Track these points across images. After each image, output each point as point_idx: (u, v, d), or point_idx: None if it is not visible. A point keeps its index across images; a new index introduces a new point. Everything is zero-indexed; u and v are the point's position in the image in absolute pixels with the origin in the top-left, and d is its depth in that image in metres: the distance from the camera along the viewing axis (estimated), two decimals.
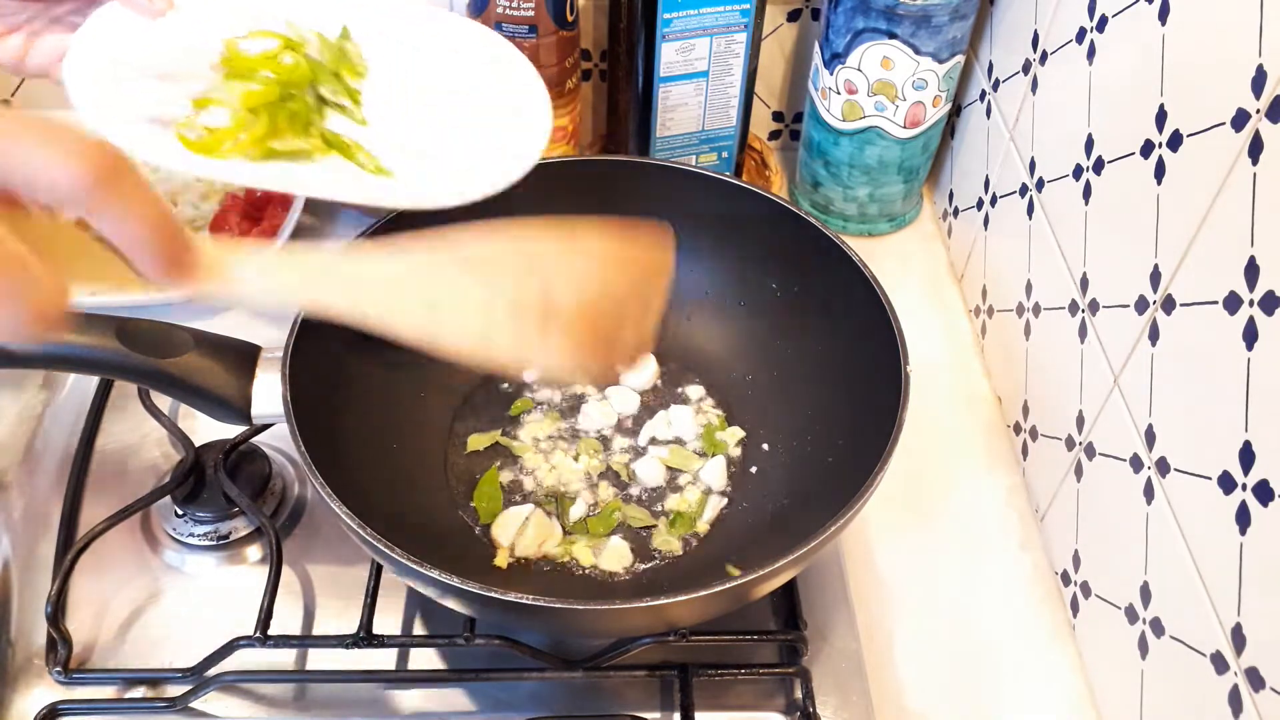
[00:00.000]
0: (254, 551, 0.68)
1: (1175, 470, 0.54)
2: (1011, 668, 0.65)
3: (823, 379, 0.69)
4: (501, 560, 0.63)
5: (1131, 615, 0.59)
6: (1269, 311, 0.47)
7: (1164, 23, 0.56)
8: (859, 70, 0.81)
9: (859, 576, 0.68)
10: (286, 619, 0.64)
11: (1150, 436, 0.57)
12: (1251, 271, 0.48)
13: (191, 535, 0.67)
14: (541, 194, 0.72)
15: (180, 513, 0.67)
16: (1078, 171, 0.66)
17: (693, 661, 0.61)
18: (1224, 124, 0.50)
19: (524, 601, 0.50)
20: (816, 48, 0.85)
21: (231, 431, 0.67)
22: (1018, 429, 0.76)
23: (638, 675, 0.61)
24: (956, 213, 0.89)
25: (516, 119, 0.63)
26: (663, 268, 0.46)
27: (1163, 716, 0.56)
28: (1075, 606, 0.66)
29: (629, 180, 0.73)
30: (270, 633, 0.60)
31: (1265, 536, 0.47)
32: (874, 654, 0.65)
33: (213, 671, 0.60)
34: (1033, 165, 0.73)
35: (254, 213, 0.87)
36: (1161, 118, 0.56)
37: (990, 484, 0.75)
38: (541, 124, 0.62)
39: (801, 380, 0.71)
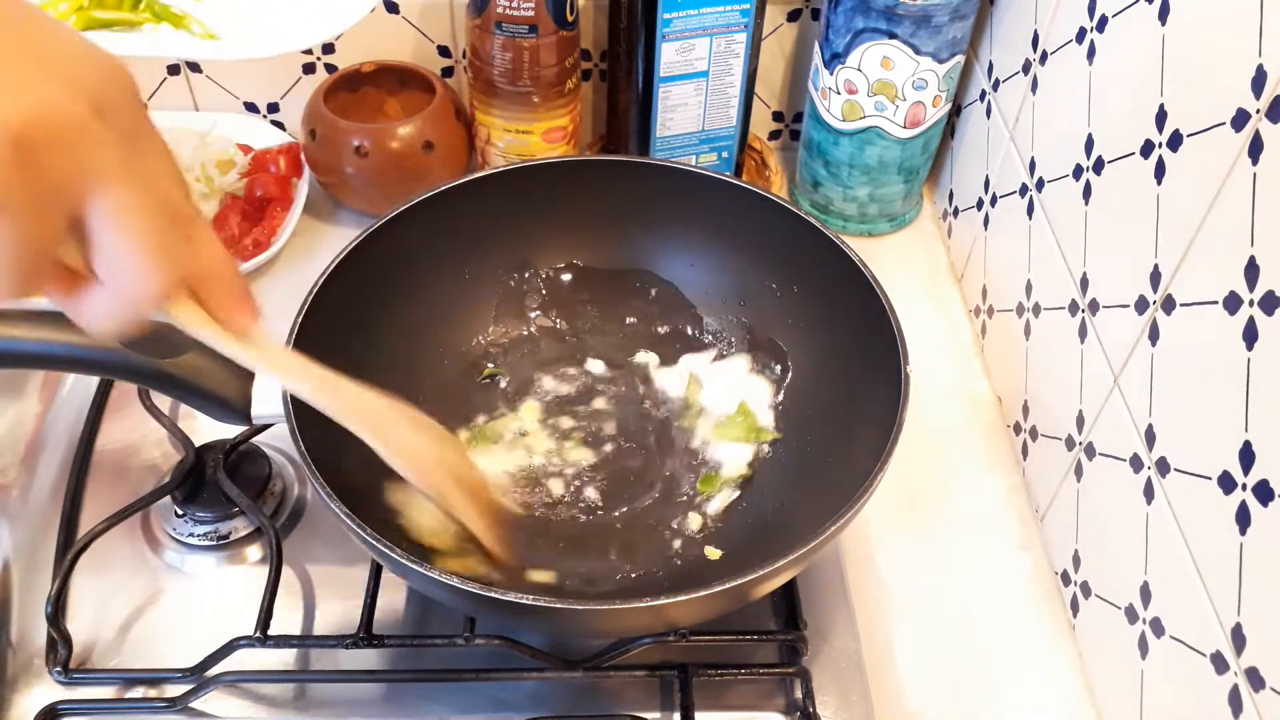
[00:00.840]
0: (254, 551, 0.68)
1: (1175, 470, 0.54)
2: (1011, 667, 0.65)
3: (822, 379, 0.69)
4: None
5: (1131, 615, 0.59)
6: (1269, 311, 0.47)
7: (1164, 23, 0.56)
8: (859, 70, 0.81)
9: (859, 576, 0.68)
10: (286, 619, 0.64)
11: (1150, 436, 0.57)
12: (1251, 271, 0.48)
13: (191, 535, 0.67)
14: (542, 194, 0.73)
15: (180, 513, 0.67)
16: (1078, 171, 0.66)
17: (693, 661, 0.61)
18: (1224, 124, 0.50)
19: (524, 601, 0.50)
20: (816, 48, 0.85)
21: (231, 431, 0.67)
22: (1018, 429, 0.76)
23: (638, 675, 0.61)
24: (956, 213, 0.89)
25: None
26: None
27: (1163, 716, 0.56)
28: (1075, 606, 0.66)
29: (629, 180, 0.73)
30: (270, 633, 0.60)
31: (1265, 536, 0.47)
32: (874, 654, 0.65)
33: (213, 671, 0.60)
34: (1033, 165, 0.73)
35: (254, 213, 0.87)
36: (1161, 118, 0.56)
37: (990, 484, 0.75)
38: None
39: (801, 380, 0.71)
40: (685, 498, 0.68)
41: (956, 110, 0.89)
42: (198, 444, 0.69)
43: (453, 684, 0.61)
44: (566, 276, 0.76)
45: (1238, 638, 0.49)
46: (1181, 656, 0.53)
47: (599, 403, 0.73)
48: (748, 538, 0.65)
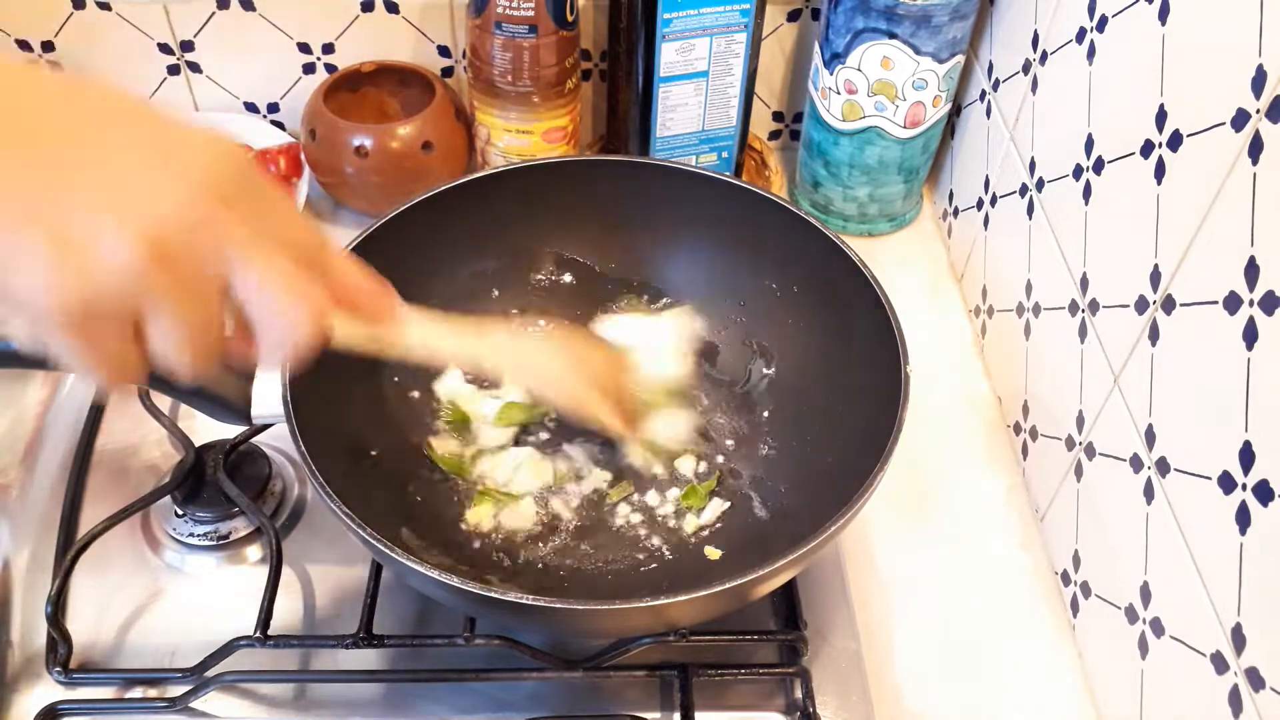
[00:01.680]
0: (254, 551, 0.68)
1: (1175, 470, 0.54)
2: (1011, 668, 0.65)
3: (822, 379, 0.69)
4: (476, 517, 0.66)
5: (1131, 615, 0.59)
6: (1269, 311, 0.47)
7: (1164, 23, 0.56)
8: (859, 70, 0.81)
9: (859, 576, 0.68)
10: (286, 619, 0.64)
11: (1150, 436, 0.57)
12: (1251, 271, 0.48)
13: (191, 535, 0.67)
14: (542, 194, 0.73)
15: (180, 513, 0.67)
16: (1078, 171, 0.66)
17: (693, 661, 0.61)
18: (1224, 124, 0.50)
19: (524, 601, 0.50)
20: (816, 48, 0.85)
21: (231, 431, 0.67)
22: (1018, 429, 0.76)
23: (638, 675, 0.61)
24: (956, 213, 0.89)
25: None
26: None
27: (1163, 716, 0.56)
28: (1075, 606, 0.66)
29: (629, 180, 0.73)
30: (270, 633, 0.60)
31: (1265, 536, 0.47)
32: (874, 654, 0.65)
33: (213, 671, 0.60)
34: (1033, 165, 0.73)
35: None
36: (1161, 118, 0.56)
37: (990, 484, 0.75)
38: None
39: (801, 380, 0.71)
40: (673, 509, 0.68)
41: (956, 110, 0.89)
42: (198, 444, 0.69)
43: (453, 684, 0.61)
44: (566, 277, 0.76)
45: (1238, 638, 0.49)
46: (1181, 656, 0.53)
47: None
48: (747, 538, 0.65)
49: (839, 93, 0.83)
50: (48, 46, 0.90)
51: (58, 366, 0.67)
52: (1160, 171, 0.56)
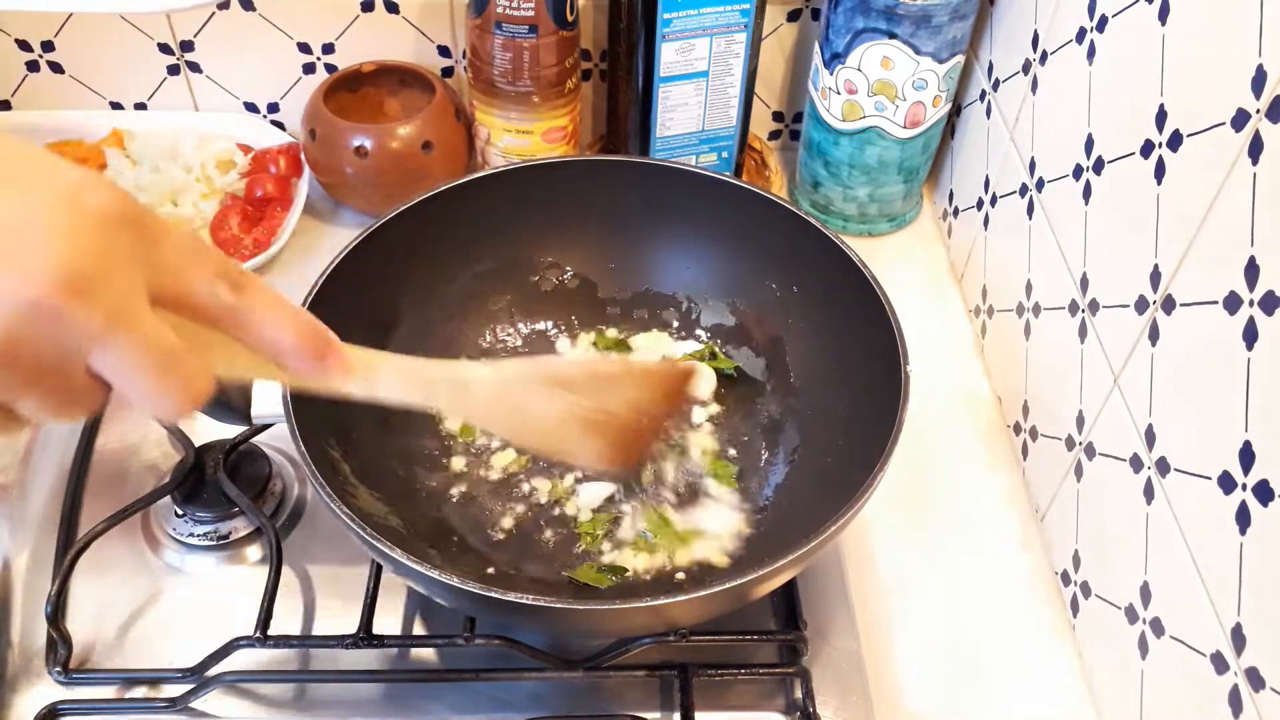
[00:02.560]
0: (254, 551, 0.68)
1: (1175, 470, 0.54)
2: (1011, 668, 0.65)
3: (822, 379, 0.69)
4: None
5: (1131, 615, 0.59)
6: (1269, 311, 0.47)
7: (1164, 23, 0.56)
8: (859, 70, 0.81)
9: (859, 576, 0.68)
10: (286, 619, 0.64)
11: (1150, 436, 0.57)
12: (1251, 271, 0.48)
13: (191, 535, 0.67)
14: (542, 194, 0.73)
15: (180, 513, 0.67)
16: (1078, 171, 0.66)
17: (693, 661, 0.61)
18: (1224, 124, 0.50)
19: (524, 601, 0.50)
20: (816, 48, 0.85)
21: (231, 431, 0.67)
22: (1018, 429, 0.76)
23: (638, 675, 0.61)
24: (956, 213, 0.89)
25: None
26: (677, 395, 0.56)
27: (1163, 716, 0.56)
28: (1075, 606, 0.66)
29: (629, 180, 0.73)
30: (270, 633, 0.60)
31: (1265, 536, 0.47)
32: (874, 654, 0.65)
33: (213, 671, 0.60)
34: (1033, 165, 0.73)
35: (254, 213, 0.87)
36: (1161, 118, 0.56)
37: (990, 484, 0.75)
38: None
39: (801, 380, 0.71)
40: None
41: (956, 110, 0.89)
42: (198, 444, 0.69)
43: (453, 684, 0.61)
44: (566, 277, 0.76)
45: (1238, 638, 0.49)
46: (1181, 656, 0.53)
47: None
48: (747, 538, 0.65)
49: (839, 93, 0.83)
50: (48, 46, 0.90)
51: None
52: (1160, 171, 0.56)
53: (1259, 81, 0.48)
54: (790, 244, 0.69)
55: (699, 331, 0.76)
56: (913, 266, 0.90)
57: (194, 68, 0.92)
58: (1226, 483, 0.50)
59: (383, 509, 0.61)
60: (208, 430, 0.68)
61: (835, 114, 0.85)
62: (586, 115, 0.95)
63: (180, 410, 0.36)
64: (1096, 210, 0.64)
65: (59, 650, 0.60)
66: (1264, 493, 0.47)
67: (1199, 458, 0.52)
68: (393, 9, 0.88)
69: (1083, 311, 0.65)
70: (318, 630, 0.64)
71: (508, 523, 0.66)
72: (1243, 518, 0.48)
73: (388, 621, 0.63)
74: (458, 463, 0.69)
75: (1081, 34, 0.66)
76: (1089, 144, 0.64)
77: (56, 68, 0.92)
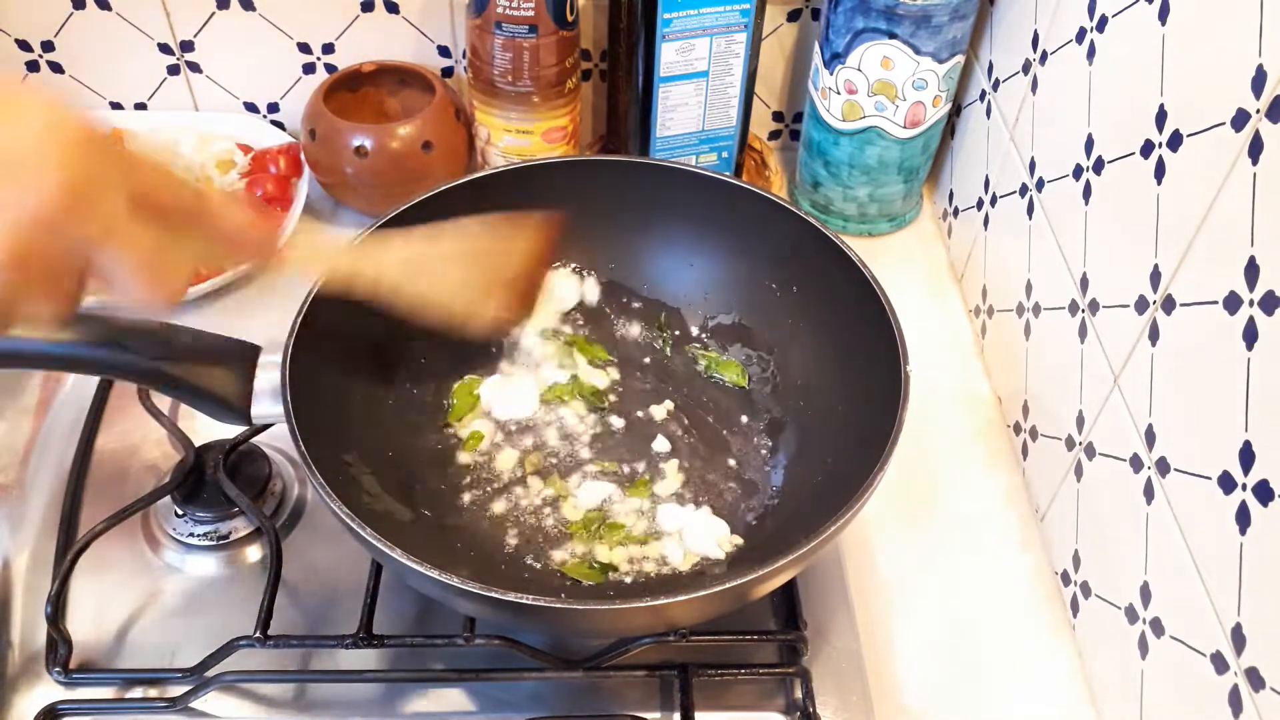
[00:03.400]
0: (254, 551, 0.68)
1: (1175, 470, 0.54)
2: (1011, 668, 0.65)
3: (822, 379, 0.69)
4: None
5: (1131, 615, 0.59)
6: (1269, 311, 0.47)
7: (1164, 23, 0.56)
8: (859, 70, 0.81)
9: (859, 576, 0.68)
10: (286, 619, 0.64)
11: (1150, 436, 0.57)
12: (1251, 271, 0.48)
13: (191, 535, 0.67)
14: (542, 194, 0.73)
15: (180, 513, 0.67)
16: (1078, 171, 0.66)
17: (693, 661, 0.61)
18: (1224, 124, 0.50)
19: (524, 601, 0.50)
20: (816, 48, 0.85)
21: (231, 431, 0.67)
22: (1018, 429, 0.76)
23: (638, 675, 0.61)
24: (956, 213, 0.89)
25: None
26: (547, 245, 0.67)
27: (1163, 716, 0.56)
28: (1075, 606, 0.66)
29: (629, 180, 0.73)
30: (270, 633, 0.60)
31: (1265, 536, 0.47)
32: (874, 654, 0.65)
33: (213, 671, 0.60)
34: (1033, 165, 0.73)
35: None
36: (1161, 118, 0.56)
37: (990, 484, 0.75)
38: None
39: (801, 380, 0.71)
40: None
41: (956, 110, 0.89)
42: (198, 444, 0.69)
43: (453, 684, 0.61)
44: (566, 276, 0.76)
45: (1238, 638, 0.49)
46: (1181, 656, 0.53)
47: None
48: (747, 538, 0.65)
49: (839, 93, 0.83)
50: (48, 46, 0.90)
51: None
52: (1160, 171, 0.56)
53: (1259, 81, 0.48)
54: (790, 244, 0.69)
55: (698, 332, 0.76)
56: (913, 266, 0.90)
57: (194, 68, 0.92)
58: (1226, 483, 0.50)
59: (383, 509, 0.61)
60: (208, 430, 0.68)
61: (835, 114, 0.85)
62: (586, 115, 0.95)
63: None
64: (1096, 210, 0.64)
65: (59, 650, 0.60)
66: (1264, 493, 0.47)
67: (1199, 458, 0.52)
68: (393, 9, 0.88)
69: (1083, 311, 0.65)
70: (318, 630, 0.64)
71: (508, 523, 0.66)
72: (1243, 518, 0.48)
73: (388, 621, 0.63)
74: (458, 463, 0.69)
75: (1081, 34, 0.66)
76: (1089, 144, 0.64)
77: (56, 68, 0.92)
